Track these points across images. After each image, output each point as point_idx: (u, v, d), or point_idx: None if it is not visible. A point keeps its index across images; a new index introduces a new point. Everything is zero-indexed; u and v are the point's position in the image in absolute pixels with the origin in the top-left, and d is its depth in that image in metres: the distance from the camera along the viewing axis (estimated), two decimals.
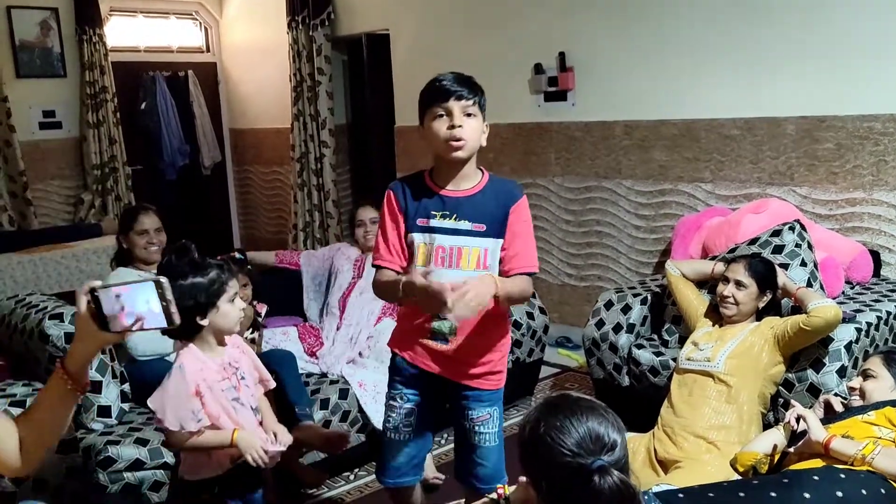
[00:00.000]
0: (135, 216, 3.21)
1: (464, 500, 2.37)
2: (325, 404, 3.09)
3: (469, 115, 2.02)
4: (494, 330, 2.14)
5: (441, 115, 2.01)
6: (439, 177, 2.11)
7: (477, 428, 2.15)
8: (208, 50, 7.19)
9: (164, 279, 1.47)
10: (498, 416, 2.19)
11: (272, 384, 2.29)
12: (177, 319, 1.50)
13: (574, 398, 1.41)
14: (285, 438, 2.16)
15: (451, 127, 2.00)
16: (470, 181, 2.11)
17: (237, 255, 3.12)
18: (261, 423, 2.18)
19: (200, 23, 7.12)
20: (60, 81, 6.05)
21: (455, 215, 2.05)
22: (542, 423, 1.37)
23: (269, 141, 6.88)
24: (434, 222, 2.05)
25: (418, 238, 2.07)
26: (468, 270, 2.04)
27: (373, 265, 2.15)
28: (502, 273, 2.10)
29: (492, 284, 1.96)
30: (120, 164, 6.23)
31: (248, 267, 3.17)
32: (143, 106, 6.66)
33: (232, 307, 2.08)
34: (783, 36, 3.72)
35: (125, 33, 6.65)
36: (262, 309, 3.14)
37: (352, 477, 3.18)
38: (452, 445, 2.83)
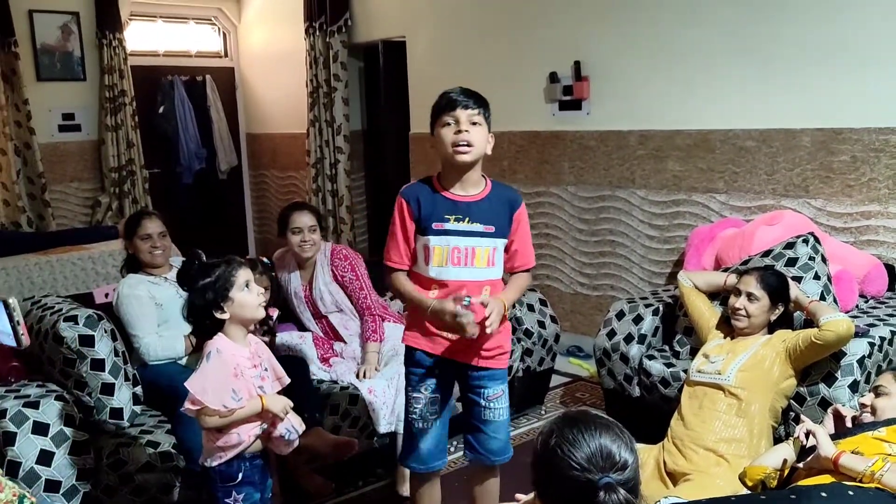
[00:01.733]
0: (138, 221, 3.23)
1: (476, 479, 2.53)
2: (334, 410, 3.10)
3: (475, 123, 2.22)
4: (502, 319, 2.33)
5: (449, 124, 2.22)
6: (448, 182, 2.29)
7: (492, 404, 2.37)
8: (226, 55, 7.25)
9: (12, 300, 1.50)
10: (506, 392, 2.41)
11: (285, 381, 2.35)
12: (25, 341, 1.52)
13: (592, 415, 1.42)
14: (301, 427, 2.28)
15: (458, 132, 2.20)
16: (477, 186, 2.31)
17: (264, 259, 3.15)
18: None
19: (219, 28, 7.18)
20: (80, 85, 6.12)
21: (468, 218, 2.25)
22: (556, 435, 1.39)
23: (284, 146, 6.92)
24: (449, 225, 2.24)
25: (434, 240, 2.25)
26: (480, 268, 2.28)
27: (385, 264, 2.35)
28: (507, 269, 2.37)
29: (501, 305, 2.23)
30: (137, 168, 6.29)
31: (273, 273, 3.18)
32: (161, 110, 6.73)
33: (247, 294, 2.19)
34: (800, 47, 3.70)
35: (144, 38, 6.72)
36: (274, 313, 3.16)
37: (360, 483, 3.19)
38: (457, 454, 2.86)
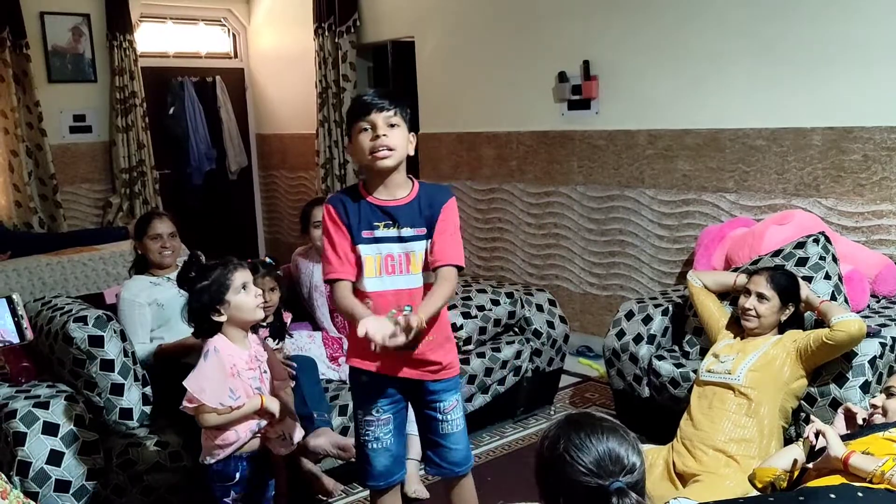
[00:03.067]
0: (149, 221, 3.24)
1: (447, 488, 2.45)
2: (343, 410, 3.10)
3: (393, 125, 2.10)
4: (444, 325, 2.26)
5: (366, 129, 2.10)
6: (373, 188, 2.17)
7: (449, 416, 2.27)
8: (236, 56, 7.27)
9: (15, 295, 1.51)
10: (461, 401, 2.32)
11: (285, 385, 2.40)
12: (29, 335, 1.53)
13: (597, 417, 1.42)
14: (298, 437, 2.32)
15: (375, 138, 2.08)
16: (403, 189, 2.19)
17: (267, 259, 3.14)
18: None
19: (229, 29, 7.20)
20: (91, 86, 6.15)
21: (397, 224, 2.13)
22: (563, 440, 1.38)
23: (294, 146, 6.94)
24: (379, 233, 2.13)
25: (366, 250, 2.13)
26: (416, 273, 2.16)
27: (325, 280, 2.20)
28: (428, 265, 2.17)
29: (416, 318, 1.98)
30: (148, 169, 6.32)
31: (279, 272, 3.17)
32: (171, 111, 6.75)
33: (244, 296, 2.20)
34: (810, 45, 3.68)
35: (155, 39, 6.75)
36: (288, 318, 3.16)
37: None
38: None
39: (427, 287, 2.18)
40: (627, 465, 1.34)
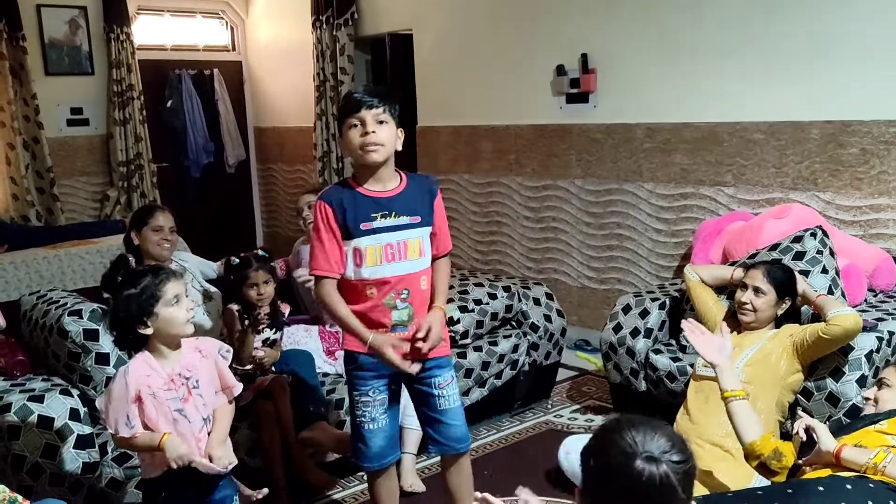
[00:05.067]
0: (151, 212, 3.23)
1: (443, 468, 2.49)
2: (339, 404, 3.10)
3: (381, 122, 2.21)
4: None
5: (356, 125, 2.21)
6: (364, 181, 2.28)
7: (444, 392, 2.36)
8: (234, 49, 7.24)
9: None
10: (455, 378, 2.42)
11: (237, 390, 2.23)
12: (1, 322, 1.51)
13: (655, 420, 1.42)
14: (222, 462, 2.10)
15: (365, 134, 2.19)
16: (393, 181, 2.31)
17: (260, 252, 3.11)
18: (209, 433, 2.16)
19: (226, 22, 7.18)
20: (88, 79, 6.14)
21: (393, 213, 2.24)
22: (622, 419, 1.40)
23: (292, 139, 6.92)
24: (377, 224, 2.23)
25: (365, 241, 2.23)
26: (413, 259, 2.28)
27: (311, 274, 2.31)
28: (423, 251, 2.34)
29: (440, 312, 2.31)
30: (145, 162, 6.31)
31: (272, 265, 3.15)
32: (168, 104, 6.73)
33: (175, 310, 2.05)
34: (808, 39, 3.67)
35: (152, 32, 6.72)
36: (286, 309, 3.15)
37: (365, 477, 3.19)
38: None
39: (424, 271, 2.31)
40: (673, 451, 1.33)
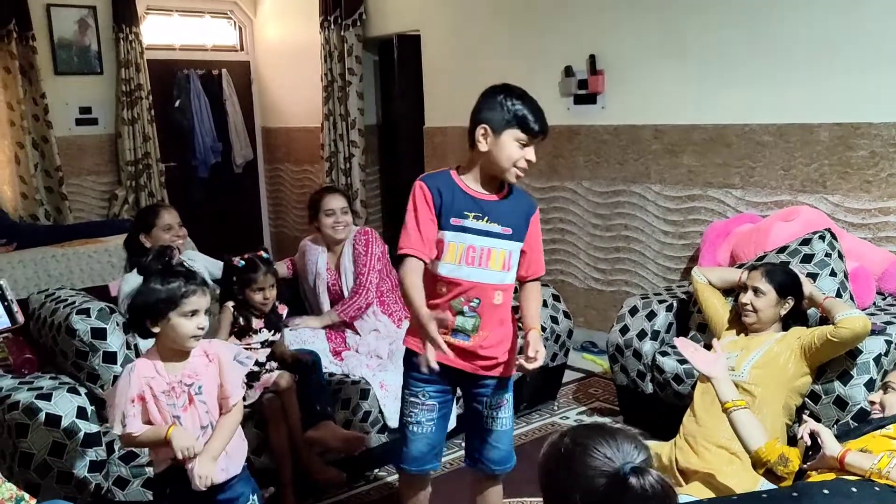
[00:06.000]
0: (157, 213, 3.26)
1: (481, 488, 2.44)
2: (346, 404, 3.10)
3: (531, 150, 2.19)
4: (508, 326, 2.28)
5: (523, 144, 2.16)
6: (471, 180, 2.22)
7: (496, 413, 2.30)
8: (242, 49, 7.26)
9: (2, 281, 1.49)
10: (510, 401, 2.34)
11: (233, 401, 2.16)
12: (20, 318, 1.51)
13: (599, 422, 1.40)
14: (199, 480, 2.05)
15: (526, 159, 2.16)
16: (496, 187, 2.24)
17: (263, 254, 3.08)
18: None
19: (235, 22, 7.19)
20: (97, 78, 6.16)
21: (487, 217, 2.17)
22: (569, 437, 1.35)
23: (299, 140, 6.93)
24: (467, 223, 2.16)
25: (449, 236, 2.16)
26: (495, 270, 2.18)
27: (400, 252, 2.18)
28: (519, 276, 2.29)
29: (537, 333, 2.17)
30: (153, 161, 6.32)
31: (276, 268, 3.16)
32: (177, 104, 6.75)
33: (185, 322, 2.04)
34: (817, 41, 3.65)
35: (161, 32, 6.74)
36: (284, 311, 3.15)
37: (372, 477, 3.19)
38: (459, 452, 2.83)
39: (501, 286, 2.22)
40: (638, 451, 1.32)
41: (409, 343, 2.32)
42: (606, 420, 3.68)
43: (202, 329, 2.08)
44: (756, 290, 2.87)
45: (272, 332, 3.03)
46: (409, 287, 2.13)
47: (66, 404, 2.58)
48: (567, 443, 1.35)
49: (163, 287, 2.04)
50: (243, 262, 2.97)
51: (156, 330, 2.05)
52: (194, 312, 2.06)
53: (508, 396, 2.32)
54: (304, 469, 2.94)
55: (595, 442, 1.32)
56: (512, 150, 2.14)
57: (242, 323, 2.94)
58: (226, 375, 2.15)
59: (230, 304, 2.96)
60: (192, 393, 2.09)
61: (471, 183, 2.20)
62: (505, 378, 2.29)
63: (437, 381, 2.26)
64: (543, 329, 3.73)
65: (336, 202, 3.48)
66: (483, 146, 2.16)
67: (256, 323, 2.97)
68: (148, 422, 2.06)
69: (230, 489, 2.16)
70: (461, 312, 2.19)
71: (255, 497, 2.24)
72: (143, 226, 3.27)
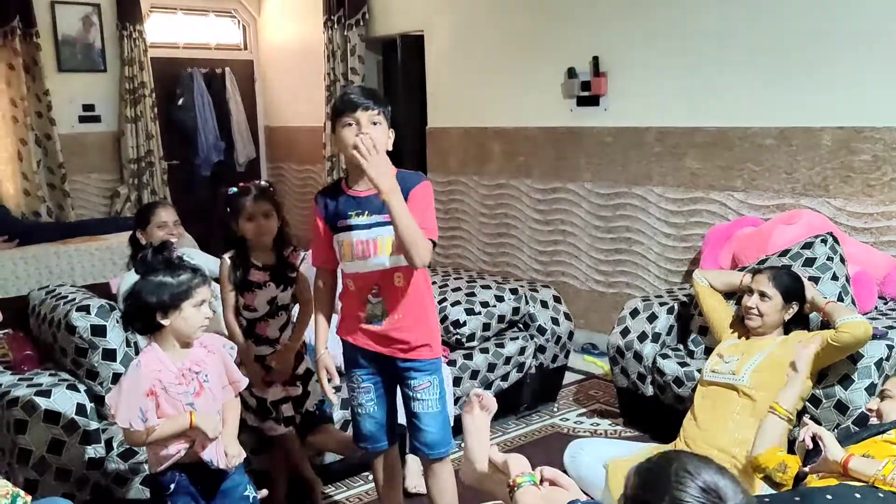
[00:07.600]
0: (153, 209, 3.26)
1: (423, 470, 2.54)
2: (345, 404, 3.08)
3: (375, 123, 2.25)
4: (419, 307, 2.37)
5: (350, 125, 2.24)
6: (352, 180, 2.35)
7: (418, 395, 2.39)
8: (246, 48, 7.27)
9: None
10: (438, 383, 2.41)
11: (243, 384, 2.25)
12: None
13: (706, 457, 1.32)
14: (233, 460, 2.16)
15: (359, 134, 2.20)
16: None
17: (263, 182, 2.77)
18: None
19: (239, 21, 7.20)
20: (101, 76, 6.17)
21: (367, 211, 2.29)
22: (677, 463, 1.27)
23: (302, 139, 6.93)
24: (351, 221, 2.30)
25: (341, 237, 2.32)
26: (385, 255, 2.28)
27: (314, 264, 2.45)
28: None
29: (388, 163, 2.20)
30: (156, 159, 6.33)
31: (275, 196, 2.78)
32: (180, 102, 6.75)
33: (196, 312, 2.09)
34: (821, 44, 3.65)
35: (165, 30, 6.75)
36: (298, 259, 2.75)
37: (370, 477, 3.18)
38: (458, 453, 2.83)
39: (398, 269, 2.29)
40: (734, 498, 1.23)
41: (339, 333, 2.45)
42: (607, 422, 3.68)
43: (209, 319, 2.14)
44: (763, 294, 2.85)
45: (282, 287, 2.68)
46: (315, 305, 2.49)
47: (65, 401, 2.58)
48: (675, 468, 1.27)
49: (174, 279, 2.08)
50: (235, 189, 2.68)
51: (165, 322, 2.07)
52: (203, 302, 2.12)
53: (432, 379, 2.39)
54: (297, 477, 2.93)
55: (705, 473, 1.25)
56: (347, 135, 2.22)
57: (240, 276, 2.62)
58: (228, 363, 2.24)
59: (227, 255, 2.66)
60: (201, 380, 2.14)
61: (355, 185, 2.33)
62: (424, 360, 2.37)
63: (365, 367, 2.41)
64: (543, 331, 3.74)
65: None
66: (336, 148, 2.35)
67: (258, 275, 2.65)
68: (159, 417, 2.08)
69: (230, 478, 2.21)
70: (367, 301, 2.33)
71: (251, 487, 2.29)
72: (140, 222, 3.28)
